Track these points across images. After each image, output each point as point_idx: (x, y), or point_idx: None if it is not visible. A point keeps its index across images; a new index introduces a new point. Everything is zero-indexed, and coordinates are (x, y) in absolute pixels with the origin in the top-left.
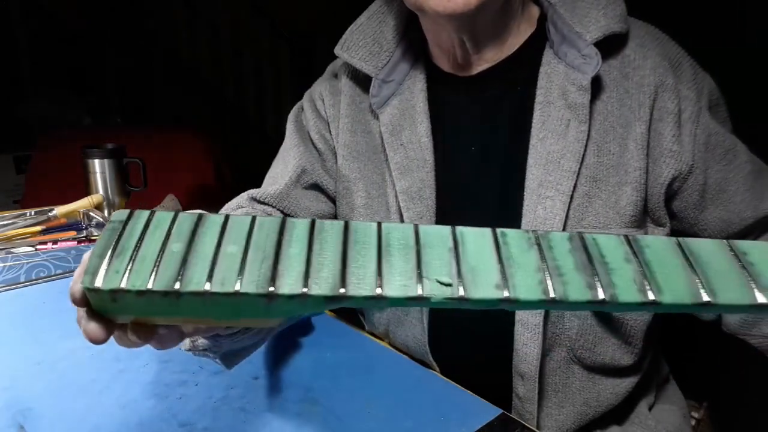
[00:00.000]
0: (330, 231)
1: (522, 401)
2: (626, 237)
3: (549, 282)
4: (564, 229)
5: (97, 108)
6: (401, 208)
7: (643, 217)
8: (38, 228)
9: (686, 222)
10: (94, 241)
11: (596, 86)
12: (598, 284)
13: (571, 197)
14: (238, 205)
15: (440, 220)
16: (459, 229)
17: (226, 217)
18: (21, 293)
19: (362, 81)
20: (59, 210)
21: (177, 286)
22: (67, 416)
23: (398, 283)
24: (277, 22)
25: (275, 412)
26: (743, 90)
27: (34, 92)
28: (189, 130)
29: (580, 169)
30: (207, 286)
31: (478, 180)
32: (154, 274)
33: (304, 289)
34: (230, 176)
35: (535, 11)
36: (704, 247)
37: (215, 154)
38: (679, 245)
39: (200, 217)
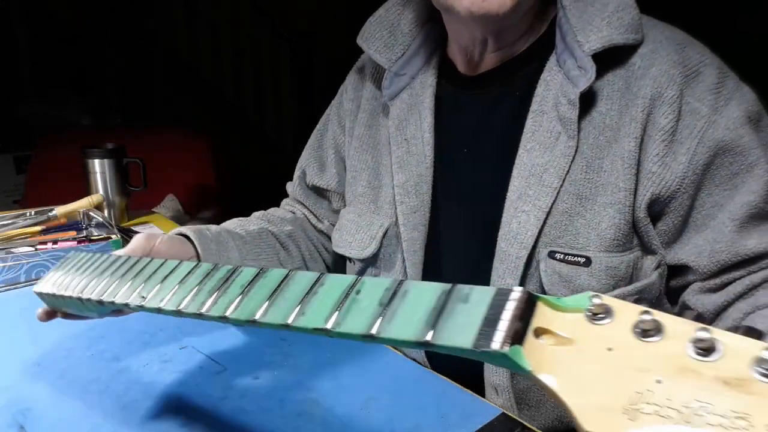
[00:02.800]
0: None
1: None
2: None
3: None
4: (536, 247)
5: (97, 108)
6: (396, 201)
7: (630, 242)
8: (38, 228)
9: (667, 249)
10: (94, 241)
11: (593, 99)
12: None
13: (549, 213)
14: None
15: (433, 216)
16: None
17: (115, 259)
18: (21, 293)
19: (382, 74)
20: (59, 210)
21: (57, 291)
22: (67, 416)
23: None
24: (277, 22)
25: (275, 412)
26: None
27: (34, 92)
28: (189, 130)
29: (563, 185)
30: (63, 293)
31: (469, 183)
32: (57, 286)
33: (83, 296)
34: (230, 176)
35: (551, 10)
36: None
37: (215, 154)
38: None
39: (106, 258)
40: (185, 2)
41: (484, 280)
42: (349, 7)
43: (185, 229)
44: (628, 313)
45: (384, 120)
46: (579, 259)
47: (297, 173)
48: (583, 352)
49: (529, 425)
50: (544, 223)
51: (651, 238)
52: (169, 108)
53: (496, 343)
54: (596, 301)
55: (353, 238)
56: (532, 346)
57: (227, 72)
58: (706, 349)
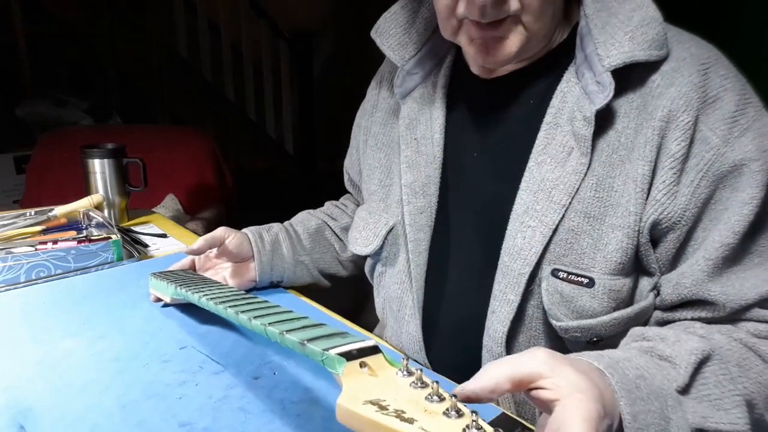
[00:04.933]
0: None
1: None
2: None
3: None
4: (540, 264)
5: (97, 108)
6: (403, 201)
7: (633, 267)
8: (38, 228)
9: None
10: (94, 241)
11: (610, 115)
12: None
13: (555, 231)
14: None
15: (441, 219)
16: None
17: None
18: (21, 293)
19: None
20: (59, 210)
21: (171, 287)
22: (67, 416)
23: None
24: (277, 22)
25: (275, 412)
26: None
27: (34, 92)
28: (189, 130)
29: (571, 202)
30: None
31: (477, 190)
32: (167, 281)
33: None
34: (230, 176)
35: (575, 14)
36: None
37: (215, 154)
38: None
39: (193, 277)
40: (185, 2)
41: (487, 291)
42: (350, 7)
43: (248, 231)
44: (416, 377)
45: (397, 119)
46: (582, 279)
47: (345, 175)
48: (374, 379)
49: (529, 425)
50: (550, 240)
51: (650, 261)
52: (169, 108)
53: (332, 352)
54: (410, 368)
55: (360, 234)
56: (353, 365)
57: (227, 72)
58: (439, 396)
